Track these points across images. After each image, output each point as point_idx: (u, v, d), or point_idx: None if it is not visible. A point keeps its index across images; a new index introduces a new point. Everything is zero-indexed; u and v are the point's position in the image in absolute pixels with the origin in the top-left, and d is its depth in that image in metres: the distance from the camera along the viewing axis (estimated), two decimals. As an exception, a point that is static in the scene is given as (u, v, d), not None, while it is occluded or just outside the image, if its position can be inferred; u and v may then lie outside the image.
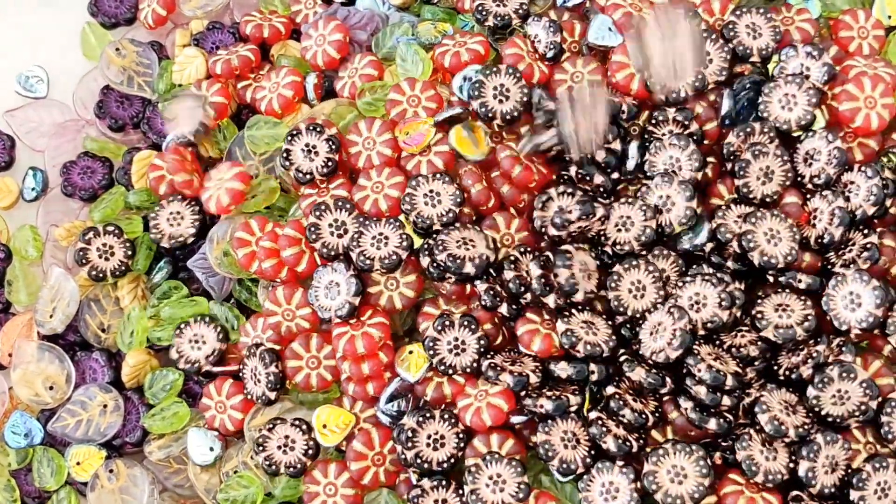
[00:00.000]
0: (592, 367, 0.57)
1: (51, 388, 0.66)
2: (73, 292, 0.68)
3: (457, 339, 0.59)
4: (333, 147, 0.63)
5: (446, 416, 0.58)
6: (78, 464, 0.65)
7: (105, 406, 0.66)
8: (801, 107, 0.61)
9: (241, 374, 0.64)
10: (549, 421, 0.57)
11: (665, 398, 0.58)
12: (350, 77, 0.68)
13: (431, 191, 0.61)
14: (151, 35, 0.75)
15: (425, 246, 0.60)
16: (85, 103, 0.73)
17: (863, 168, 0.60)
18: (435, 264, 0.59)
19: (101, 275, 0.67)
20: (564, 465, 0.56)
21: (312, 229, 0.61)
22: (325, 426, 0.60)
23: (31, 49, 0.76)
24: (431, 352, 0.59)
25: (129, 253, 0.67)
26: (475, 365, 0.58)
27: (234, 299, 0.67)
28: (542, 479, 0.59)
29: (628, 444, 0.56)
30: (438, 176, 0.61)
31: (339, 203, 0.62)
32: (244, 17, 0.72)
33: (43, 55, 0.76)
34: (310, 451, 0.60)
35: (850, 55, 0.65)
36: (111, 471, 0.64)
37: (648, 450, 0.56)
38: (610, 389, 0.57)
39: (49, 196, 0.72)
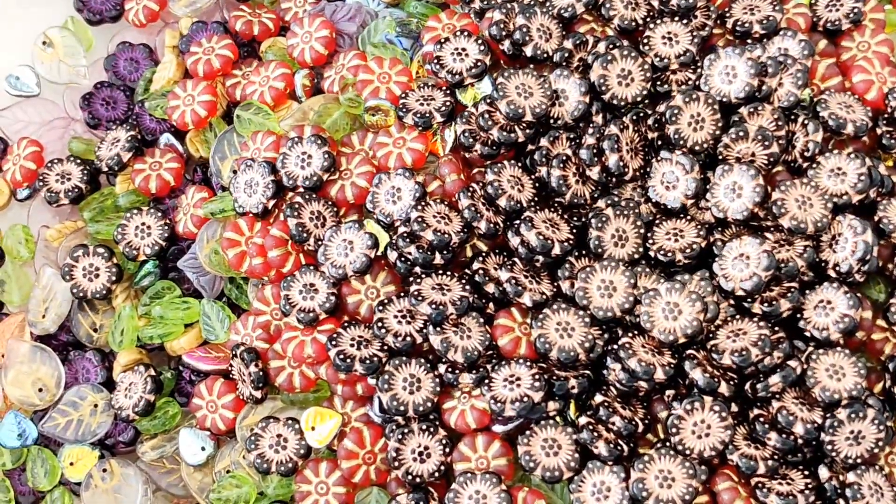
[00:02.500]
0: (573, 381, 0.57)
1: (40, 390, 0.66)
2: (65, 292, 0.68)
3: (413, 376, 0.58)
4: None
5: (425, 427, 0.58)
6: (71, 464, 0.65)
7: (96, 406, 0.66)
8: None
9: (230, 375, 0.64)
10: (528, 431, 0.57)
11: (654, 398, 0.58)
12: (337, 73, 0.67)
13: (393, 186, 0.61)
14: (141, 35, 0.74)
15: (391, 242, 0.60)
16: (74, 101, 0.73)
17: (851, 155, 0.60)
18: (402, 258, 0.59)
19: (82, 293, 0.67)
20: (548, 473, 0.56)
21: (299, 229, 0.61)
22: (313, 428, 0.60)
23: (19, 47, 0.75)
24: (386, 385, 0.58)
25: (114, 278, 0.67)
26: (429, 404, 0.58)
27: (225, 297, 0.67)
28: (533, 476, 0.59)
29: (619, 447, 0.56)
30: (400, 171, 0.61)
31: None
32: (233, 14, 0.72)
33: (30, 53, 0.75)
34: (302, 451, 0.60)
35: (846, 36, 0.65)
36: (105, 470, 0.65)
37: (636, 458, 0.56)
38: (598, 398, 0.57)
39: (40, 196, 0.72)
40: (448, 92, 0.64)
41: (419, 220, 0.58)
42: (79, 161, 0.70)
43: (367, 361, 0.58)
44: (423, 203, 0.60)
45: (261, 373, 0.61)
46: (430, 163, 0.64)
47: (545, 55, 0.63)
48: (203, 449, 0.63)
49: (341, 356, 0.58)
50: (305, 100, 0.68)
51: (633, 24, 0.63)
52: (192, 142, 0.70)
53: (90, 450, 0.65)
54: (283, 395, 0.63)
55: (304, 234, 0.61)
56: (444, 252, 0.59)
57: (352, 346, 0.58)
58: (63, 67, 0.74)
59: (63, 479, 0.66)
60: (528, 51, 0.62)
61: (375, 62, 0.66)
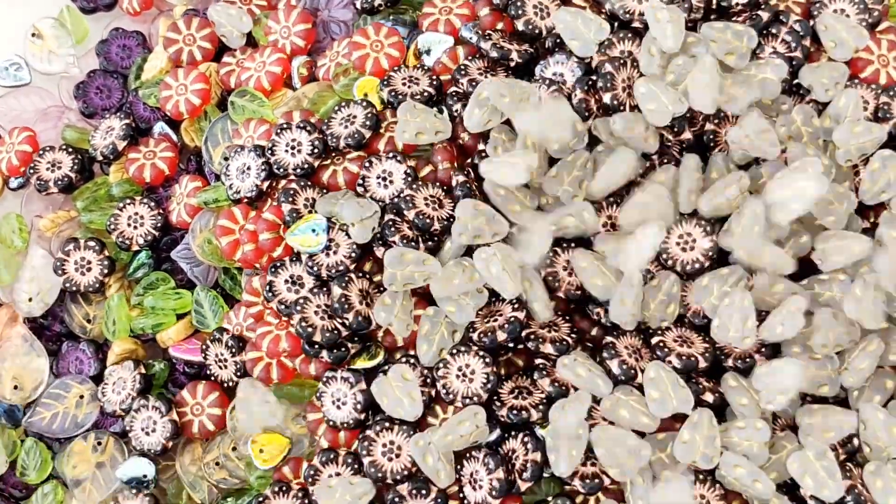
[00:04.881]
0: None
1: (15, 387, 0.66)
2: (53, 279, 0.67)
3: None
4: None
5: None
6: (74, 467, 0.64)
7: (81, 397, 0.65)
8: None
9: (208, 370, 0.64)
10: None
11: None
12: (332, 60, 0.67)
13: (384, 170, 0.60)
14: (135, 24, 0.74)
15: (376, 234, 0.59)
16: (69, 91, 0.73)
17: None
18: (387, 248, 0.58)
19: (74, 287, 0.66)
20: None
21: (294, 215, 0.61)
22: (261, 451, 0.60)
23: (14, 37, 0.75)
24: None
25: (106, 272, 0.66)
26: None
27: (219, 288, 0.66)
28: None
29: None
30: (392, 155, 0.60)
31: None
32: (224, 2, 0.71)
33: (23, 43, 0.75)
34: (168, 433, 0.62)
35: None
36: (99, 443, 0.64)
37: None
38: None
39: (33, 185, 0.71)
40: (434, 81, 0.63)
41: (408, 198, 0.58)
42: (70, 150, 0.70)
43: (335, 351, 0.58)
44: (416, 184, 0.59)
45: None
46: (422, 149, 0.63)
47: (538, 31, 0.62)
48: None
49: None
50: (300, 87, 0.67)
51: (629, 16, 0.61)
52: (186, 131, 0.69)
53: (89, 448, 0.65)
54: (274, 389, 0.62)
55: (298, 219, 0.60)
56: (426, 237, 0.58)
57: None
58: (53, 58, 0.74)
59: (54, 473, 0.65)
60: (520, 25, 0.62)
61: (373, 28, 0.65)
